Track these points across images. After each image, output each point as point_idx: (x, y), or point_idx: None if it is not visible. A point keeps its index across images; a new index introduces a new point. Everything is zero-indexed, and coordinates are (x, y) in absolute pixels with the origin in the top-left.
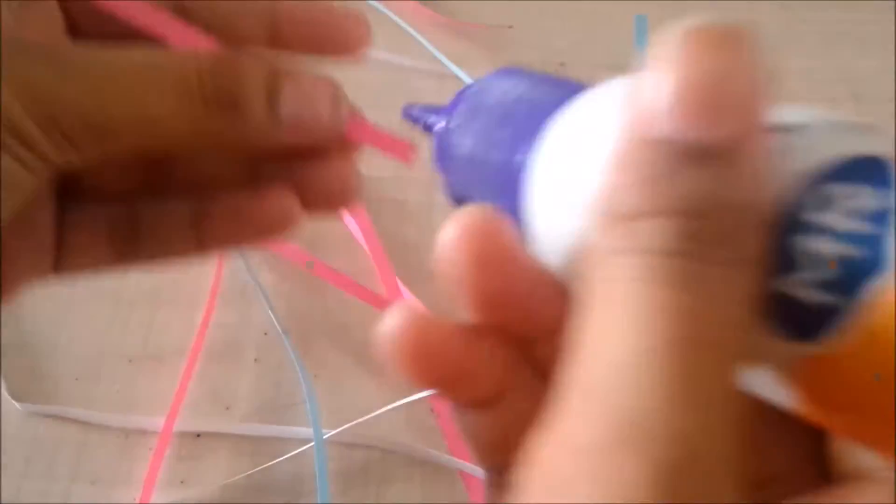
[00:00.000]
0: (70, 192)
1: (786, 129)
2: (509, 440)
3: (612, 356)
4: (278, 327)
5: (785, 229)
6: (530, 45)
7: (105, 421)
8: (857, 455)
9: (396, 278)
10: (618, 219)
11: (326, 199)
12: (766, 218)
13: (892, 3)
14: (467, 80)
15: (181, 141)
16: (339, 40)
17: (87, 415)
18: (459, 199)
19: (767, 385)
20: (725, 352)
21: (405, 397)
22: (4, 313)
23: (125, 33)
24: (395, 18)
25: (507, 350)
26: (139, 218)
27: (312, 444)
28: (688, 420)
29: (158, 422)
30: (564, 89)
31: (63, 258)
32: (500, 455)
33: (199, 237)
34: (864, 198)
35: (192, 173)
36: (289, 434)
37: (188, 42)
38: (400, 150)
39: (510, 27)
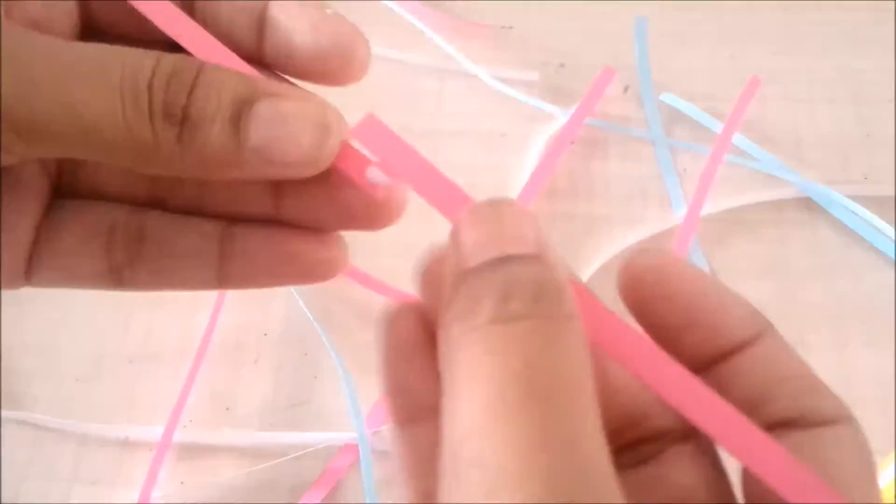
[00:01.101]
0: (63, 187)
1: None
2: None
3: (469, 423)
4: (316, 326)
5: None
6: (530, 45)
7: (105, 422)
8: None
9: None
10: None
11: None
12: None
13: (893, 3)
14: (467, 78)
15: (120, 154)
16: (341, 69)
17: (87, 416)
18: None
19: None
20: (566, 395)
21: None
22: (4, 313)
23: (145, 35)
24: (399, 11)
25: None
26: (146, 232)
27: (314, 447)
28: (544, 466)
29: (159, 422)
30: None
31: (40, 261)
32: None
33: (221, 269)
34: None
35: (213, 196)
36: (290, 440)
37: (205, 50)
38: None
39: (510, 27)
